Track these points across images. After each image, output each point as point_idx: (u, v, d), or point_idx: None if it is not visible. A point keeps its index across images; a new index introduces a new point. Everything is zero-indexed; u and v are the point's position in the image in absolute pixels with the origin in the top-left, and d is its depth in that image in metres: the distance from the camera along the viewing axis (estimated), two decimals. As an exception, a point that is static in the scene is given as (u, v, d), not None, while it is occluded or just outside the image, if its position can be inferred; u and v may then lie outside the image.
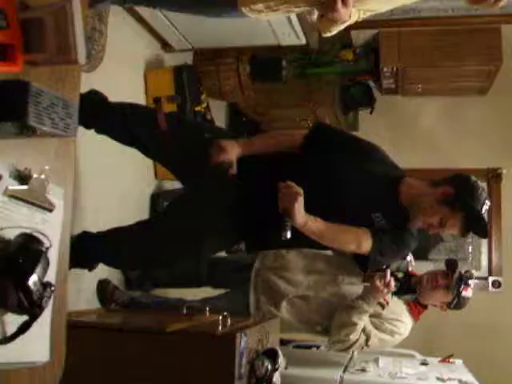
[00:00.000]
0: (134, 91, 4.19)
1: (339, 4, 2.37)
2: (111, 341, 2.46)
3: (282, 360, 2.61)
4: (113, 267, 3.43)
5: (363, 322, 3.32)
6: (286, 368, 2.78)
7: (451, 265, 3.49)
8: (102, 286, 3.66)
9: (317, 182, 2.60)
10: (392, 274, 3.22)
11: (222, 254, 4.70)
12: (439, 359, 4.08)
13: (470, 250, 5.79)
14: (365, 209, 2.63)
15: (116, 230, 2.98)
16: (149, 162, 4.33)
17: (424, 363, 3.91)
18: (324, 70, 5.24)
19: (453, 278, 3.38)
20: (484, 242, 5.69)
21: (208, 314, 2.84)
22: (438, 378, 3.51)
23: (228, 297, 3.64)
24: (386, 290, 3.22)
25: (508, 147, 5.49)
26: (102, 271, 3.66)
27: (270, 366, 2.49)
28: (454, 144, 5.67)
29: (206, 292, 3.87)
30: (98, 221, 3.39)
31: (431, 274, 3.48)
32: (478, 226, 2.60)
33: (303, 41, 4.31)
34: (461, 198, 2.56)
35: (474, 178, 2.68)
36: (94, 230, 3.03)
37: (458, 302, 3.40)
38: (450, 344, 4.82)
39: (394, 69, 5.29)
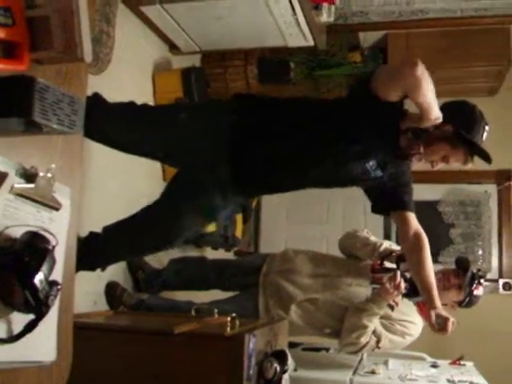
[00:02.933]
0: (142, 93, 4.19)
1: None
2: (119, 342, 2.46)
3: (290, 362, 2.60)
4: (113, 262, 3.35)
5: (374, 324, 3.30)
6: (295, 370, 2.76)
7: (462, 263, 3.46)
8: (111, 289, 3.65)
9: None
10: (401, 275, 3.20)
11: (230, 257, 4.71)
12: (449, 361, 4.05)
13: (481, 252, 5.76)
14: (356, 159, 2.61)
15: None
16: (157, 164, 4.34)
17: (434, 365, 3.88)
18: (332, 72, 5.23)
19: (465, 276, 3.35)
20: (494, 244, 5.67)
21: (216, 315, 2.84)
22: (448, 381, 3.48)
23: (236, 300, 3.63)
24: (396, 292, 3.20)
25: (518, 148, 5.47)
26: (111, 273, 3.66)
27: (278, 368, 2.48)
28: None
29: (215, 295, 3.86)
30: (107, 223, 3.39)
31: (442, 273, 3.44)
32: (481, 155, 2.69)
33: (311, 42, 4.31)
34: (460, 135, 2.60)
35: (470, 105, 2.73)
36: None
37: (470, 301, 3.38)
38: (460, 347, 4.77)
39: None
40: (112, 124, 2.74)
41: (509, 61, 5.05)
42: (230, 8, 3.82)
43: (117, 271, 3.75)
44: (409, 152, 2.68)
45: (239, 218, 4.80)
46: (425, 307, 3.44)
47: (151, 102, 4.26)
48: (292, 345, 3.74)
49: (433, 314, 2.77)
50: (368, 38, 5.49)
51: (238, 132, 2.63)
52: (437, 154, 2.66)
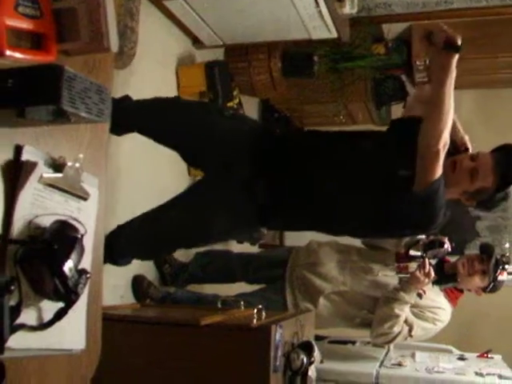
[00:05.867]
0: (166, 87, 4.20)
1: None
2: (147, 334, 2.48)
3: (317, 353, 2.60)
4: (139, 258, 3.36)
5: (405, 313, 3.31)
6: (321, 362, 2.76)
7: (487, 249, 3.46)
8: (137, 282, 3.68)
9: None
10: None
11: (255, 250, 4.71)
12: (477, 354, 4.03)
13: (507, 245, 5.72)
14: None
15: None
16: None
17: (462, 358, 3.86)
18: (356, 64, 5.19)
19: (490, 262, 3.35)
20: (522, 236, 5.63)
21: (243, 307, 2.85)
22: (476, 373, 3.47)
23: (263, 293, 3.64)
24: (426, 280, 3.21)
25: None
26: (137, 267, 3.69)
27: (305, 359, 2.48)
28: (490, 137, 5.55)
29: (241, 288, 3.87)
30: (129, 215, 3.41)
31: (467, 259, 3.44)
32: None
33: (334, 34, 4.28)
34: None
35: None
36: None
37: (494, 286, 3.38)
38: (487, 340, 4.75)
39: (427, 62, 5.23)
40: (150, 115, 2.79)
41: (535, 51, 5.00)
42: (252, 1, 3.82)
43: (143, 265, 3.78)
44: None
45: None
46: (453, 293, 3.45)
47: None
48: (318, 338, 3.75)
49: None
50: (392, 30, 5.45)
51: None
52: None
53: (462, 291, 3.53)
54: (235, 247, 4.53)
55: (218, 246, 4.48)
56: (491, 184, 2.36)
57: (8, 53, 1.17)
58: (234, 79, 4.58)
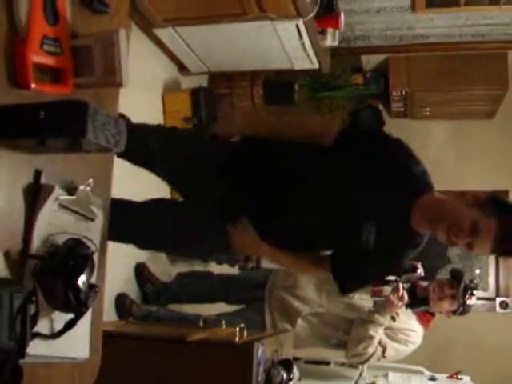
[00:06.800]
0: (152, 112, 4.34)
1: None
2: (133, 349, 2.57)
3: (296, 370, 2.72)
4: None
5: (379, 334, 3.44)
6: (299, 379, 2.88)
7: (456, 275, 3.61)
8: (120, 300, 3.78)
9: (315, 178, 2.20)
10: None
11: (235, 271, 4.82)
12: (447, 375, 4.17)
13: (478, 271, 5.87)
14: (356, 214, 2.11)
15: None
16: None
17: (432, 379, 4.00)
18: (335, 94, 5.37)
19: (459, 288, 3.50)
20: (492, 263, 5.78)
21: (224, 326, 2.96)
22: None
23: (243, 314, 3.75)
24: (400, 303, 3.35)
25: (515, 170, 5.61)
26: (120, 286, 3.79)
27: (285, 376, 2.60)
28: (462, 166, 5.78)
29: (221, 308, 3.98)
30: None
31: (437, 283, 3.59)
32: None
33: (316, 65, 4.46)
34: (494, 201, 1.99)
35: None
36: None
37: (464, 310, 3.53)
38: (458, 363, 4.88)
39: (403, 93, 5.43)
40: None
41: (506, 85, 5.21)
42: (239, 32, 3.97)
43: (126, 283, 3.88)
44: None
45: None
46: (425, 316, 3.60)
47: (161, 122, 4.40)
48: (294, 358, 3.86)
49: None
50: (370, 61, 5.65)
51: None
52: (464, 221, 1.94)
53: (433, 314, 3.68)
54: (215, 269, 4.64)
55: (199, 267, 4.60)
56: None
57: (33, 86, 1.31)
58: (217, 105, 4.73)
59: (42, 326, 1.35)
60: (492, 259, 5.80)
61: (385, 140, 2.31)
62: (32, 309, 1.26)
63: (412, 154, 2.23)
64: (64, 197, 1.40)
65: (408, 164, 2.18)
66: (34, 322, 1.28)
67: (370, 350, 3.45)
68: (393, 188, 2.11)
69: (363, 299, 3.59)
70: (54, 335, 1.38)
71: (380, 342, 3.48)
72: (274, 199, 2.24)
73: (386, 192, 2.10)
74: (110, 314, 3.69)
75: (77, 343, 1.51)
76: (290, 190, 2.21)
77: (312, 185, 2.19)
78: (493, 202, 1.97)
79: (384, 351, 3.47)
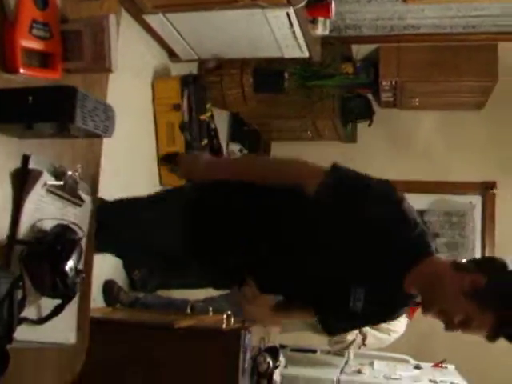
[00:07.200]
0: (141, 100, 4.33)
1: None
2: (119, 336, 2.58)
3: (282, 357, 2.74)
4: None
5: None
6: (285, 367, 2.90)
7: None
8: (108, 287, 3.78)
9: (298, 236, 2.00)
10: None
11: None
12: (432, 364, 4.21)
13: (464, 261, 5.90)
14: (344, 279, 1.95)
15: None
16: (154, 168, 4.49)
17: (417, 367, 4.03)
18: (325, 83, 5.36)
19: None
20: (477, 254, 5.80)
21: (211, 313, 2.97)
22: (430, 381, 3.64)
23: (229, 299, 3.76)
24: None
25: (503, 161, 5.63)
26: (108, 272, 3.79)
27: (271, 362, 2.62)
28: (450, 157, 5.81)
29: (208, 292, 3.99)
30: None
31: None
32: None
33: (306, 54, 4.45)
34: (494, 292, 1.77)
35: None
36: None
37: None
38: (442, 352, 4.93)
39: (393, 83, 5.44)
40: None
41: (495, 77, 5.22)
42: (230, 20, 3.96)
43: (114, 270, 3.88)
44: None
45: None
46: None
47: (150, 109, 4.40)
48: (280, 346, 3.88)
49: None
50: (361, 51, 5.65)
51: None
52: (458, 313, 1.78)
53: (418, 304, 3.68)
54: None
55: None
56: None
57: (22, 71, 1.31)
58: (207, 93, 4.72)
59: (30, 312, 1.35)
60: (478, 250, 5.83)
61: (374, 202, 1.92)
62: (19, 294, 1.26)
63: (405, 216, 1.92)
64: (52, 182, 1.40)
65: (401, 229, 1.91)
66: (22, 308, 1.28)
67: (350, 338, 3.47)
68: (385, 254, 1.90)
69: None
70: (42, 320, 1.38)
71: (360, 330, 3.50)
72: (267, 257, 2.02)
73: (376, 258, 1.90)
74: (97, 301, 3.69)
75: (64, 329, 1.51)
76: (281, 248, 2.00)
77: (295, 246, 1.99)
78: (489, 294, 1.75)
79: (364, 339, 3.50)
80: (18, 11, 1.30)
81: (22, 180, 1.34)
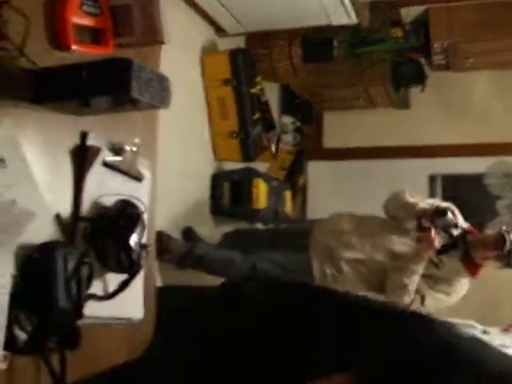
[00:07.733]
0: (191, 75, 4.33)
1: None
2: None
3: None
4: None
5: (415, 282, 3.40)
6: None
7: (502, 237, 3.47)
8: (158, 238, 3.79)
9: None
10: (446, 231, 3.30)
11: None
12: (501, 328, 4.12)
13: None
14: None
15: None
16: (208, 143, 4.50)
17: (485, 332, 3.96)
18: (374, 48, 5.27)
19: (503, 250, 3.37)
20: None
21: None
22: (501, 345, 3.55)
23: (289, 256, 3.73)
24: (429, 249, 3.30)
25: None
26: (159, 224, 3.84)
27: None
28: (508, 117, 5.66)
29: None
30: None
31: (483, 240, 3.49)
32: None
33: (354, 20, 4.37)
34: None
35: None
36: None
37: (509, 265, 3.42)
38: (508, 316, 4.84)
39: (445, 44, 5.30)
40: None
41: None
42: (275, -12, 3.93)
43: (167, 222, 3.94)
44: None
45: (288, 194, 4.93)
46: (472, 265, 3.50)
47: (200, 84, 4.41)
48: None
49: None
50: (410, 13, 5.52)
51: None
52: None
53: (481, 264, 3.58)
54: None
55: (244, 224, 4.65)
56: None
57: (74, 47, 1.31)
58: (256, 66, 4.69)
59: (96, 288, 1.36)
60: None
61: None
62: (86, 270, 1.27)
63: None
64: (111, 158, 1.40)
65: None
66: (89, 284, 1.29)
67: (407, 299, 3.40)
68: None
69: (407, 244, 3.52)
70: (109, 296, 1.39)
71: (418, 291, 3.44)
72: None
73: None
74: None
75: (131, 304, 1.51)
76: None
77: None
78: None
79: (423, 300, 3.43)
80: (68, -12, 1.30)
81: (82, 157, 1.34)
